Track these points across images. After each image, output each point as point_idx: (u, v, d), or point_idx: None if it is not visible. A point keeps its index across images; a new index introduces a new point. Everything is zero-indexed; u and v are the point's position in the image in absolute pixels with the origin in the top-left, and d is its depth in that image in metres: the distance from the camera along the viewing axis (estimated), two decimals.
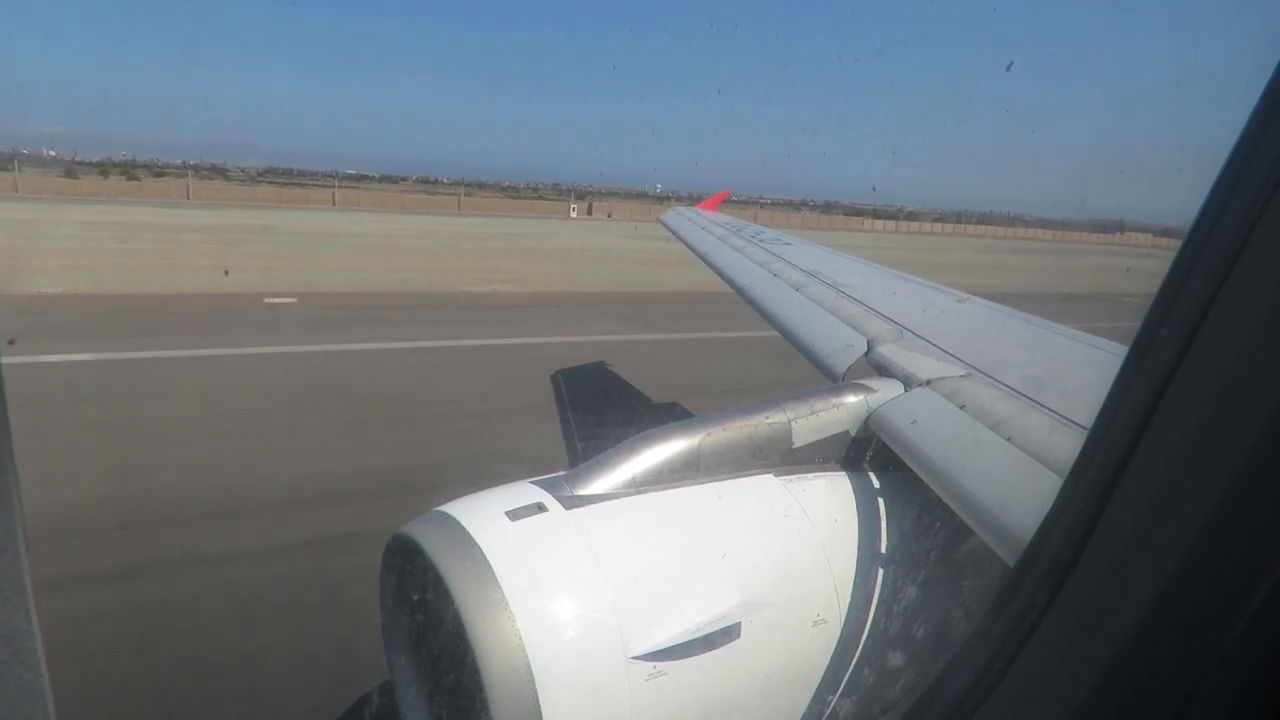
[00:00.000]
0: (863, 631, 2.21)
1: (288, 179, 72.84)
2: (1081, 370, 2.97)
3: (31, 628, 1.00)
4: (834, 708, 2.21)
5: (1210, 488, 0.86)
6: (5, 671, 0.97)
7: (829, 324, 4.07)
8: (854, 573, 2.23)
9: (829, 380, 3.30)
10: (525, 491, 2.06)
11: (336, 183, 68.65)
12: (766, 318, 5.05)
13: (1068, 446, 1.98)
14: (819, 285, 5.00)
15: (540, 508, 1.98)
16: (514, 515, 1.95)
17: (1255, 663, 0.87)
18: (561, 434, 10.36)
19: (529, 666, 1.72)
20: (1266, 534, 0.85)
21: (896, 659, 2.25)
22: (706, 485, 2.23)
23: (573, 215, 63.30)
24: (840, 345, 3.55)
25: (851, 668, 2.20)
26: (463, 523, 1.91)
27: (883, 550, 2.30)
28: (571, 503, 2.02)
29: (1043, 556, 1.11)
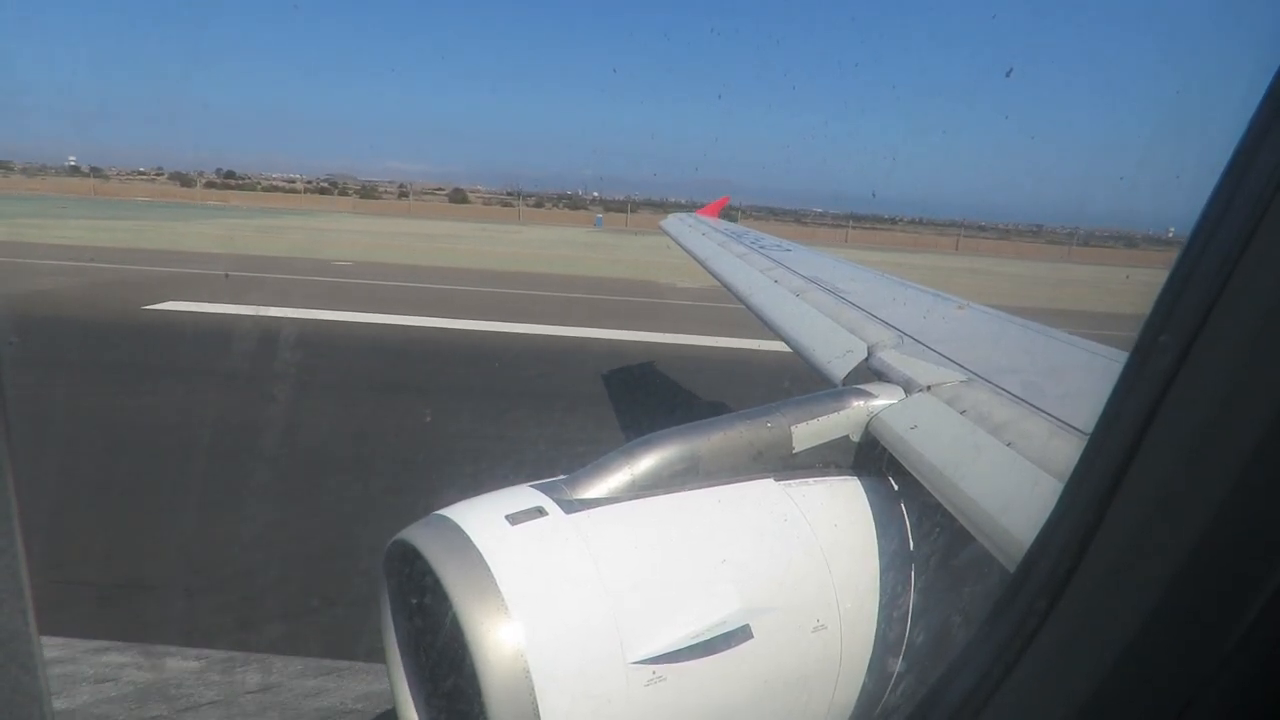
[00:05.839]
0: (863, 637, 2.20)
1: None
2: (1081, 376, 2.97)
3: (29, 629, 1.00)
4: (833, 713, 2.20)
5: (1210, 494, 0.86)
6: (2, 673, 0.97)
7: (829, 330, 4.07)
8: (854, 578, 2.22)
9: (829, 386, 3.29)
10: (525, 495, 2.05)
11: (962, 233, 63.58)
12: (767, 323, 5.05)
13: (1068, 452, 1.98)
14: (819, 292, 5.00)
15: (540, 511, 1.98)
16: (513, 519, 1.94)
17: (1256, 669, 0.87)
18: None
19: (527, 670, 1.71)
20: (1266, 541, 0.85)
21: (896, 664, 2.24)
22: (706, 490, 2.22)
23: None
24: (840, 351, 3.55)
25: (851, 673, 2.19)
26: (462, 526, 1.91)
27: (883, 555, 2.30)
28: (571, 507, 2.02)
29: (1043, 562, 1.11)
